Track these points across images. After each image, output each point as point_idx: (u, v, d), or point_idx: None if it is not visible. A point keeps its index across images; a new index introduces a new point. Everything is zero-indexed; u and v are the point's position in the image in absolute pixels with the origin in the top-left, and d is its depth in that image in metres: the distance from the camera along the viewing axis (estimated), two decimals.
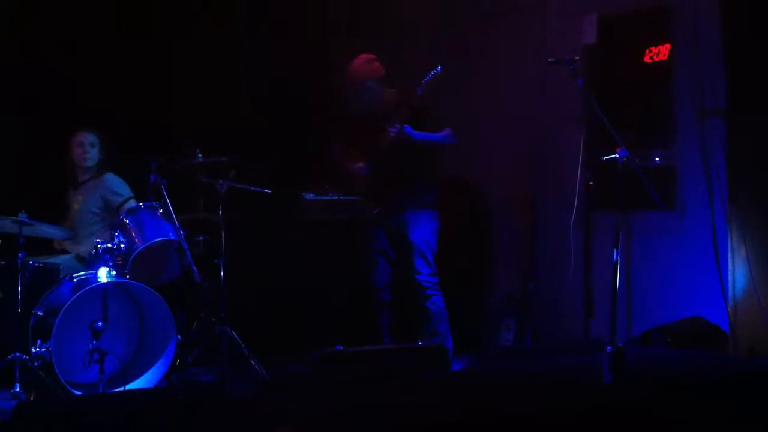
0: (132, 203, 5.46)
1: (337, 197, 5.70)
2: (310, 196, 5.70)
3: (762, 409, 3.72)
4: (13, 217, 4.87)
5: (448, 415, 3.51)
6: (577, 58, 5.18)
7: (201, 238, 5.52)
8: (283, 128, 6.60)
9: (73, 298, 4.71)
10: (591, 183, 5.58)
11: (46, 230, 5.18)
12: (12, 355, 4.69)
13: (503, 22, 6.31)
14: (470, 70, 6.29)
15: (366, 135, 5.50)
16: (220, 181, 5.43)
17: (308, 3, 6.83)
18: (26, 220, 4.88)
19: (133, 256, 5.02)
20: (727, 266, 5.19)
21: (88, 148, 5.59)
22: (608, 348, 3.84)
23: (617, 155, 4.82)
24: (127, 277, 4.97)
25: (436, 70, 5.26)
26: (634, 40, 5.75)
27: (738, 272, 5.16)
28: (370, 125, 5.47)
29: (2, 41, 6.01)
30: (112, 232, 5.07)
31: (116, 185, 5.60)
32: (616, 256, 4.38)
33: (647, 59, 5.69)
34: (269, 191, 5.51)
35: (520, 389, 3.89)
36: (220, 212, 5.41)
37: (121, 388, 4.86)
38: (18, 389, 4.66)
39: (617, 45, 5.86)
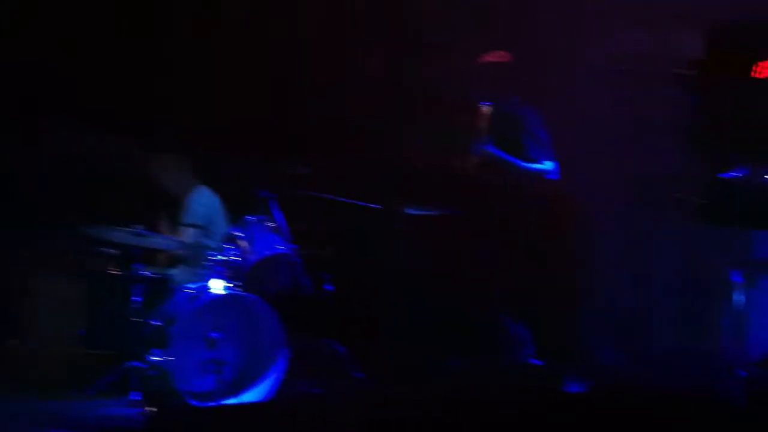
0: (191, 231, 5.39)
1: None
2: (411, 210, 5.70)
3: None
4: (130, 229, 4.97)
5: None
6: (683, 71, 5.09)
7: (306, 250, 5.54)
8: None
9: (190, 308, 4.79)
10: (695, 198, 5.46)
11: (160, 242, 5.28)
12: (127, 363, 4.77)
13: None
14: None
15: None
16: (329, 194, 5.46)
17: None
18: (142, 232, 5.00)
19: (244, 269, 5.08)
20: None
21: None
22: (742, 372, 3.75)
23: (736, 173, 4.73)
24: (239, 289, 5.03)
25: None
26: (742, 54, 5.66)
27: None
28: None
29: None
30: (224, 245, 5.14)
31: (193, 204, 5.52)
32: (739, 277, 4.30)
33: (756, 74, 5.60)
34: (379, 206, 5.50)
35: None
36: (326, 223, 5.45)
37: (235, 401, 4.91)
38: (133, 397, 4.72)
39: (724, 58, 5.77)
